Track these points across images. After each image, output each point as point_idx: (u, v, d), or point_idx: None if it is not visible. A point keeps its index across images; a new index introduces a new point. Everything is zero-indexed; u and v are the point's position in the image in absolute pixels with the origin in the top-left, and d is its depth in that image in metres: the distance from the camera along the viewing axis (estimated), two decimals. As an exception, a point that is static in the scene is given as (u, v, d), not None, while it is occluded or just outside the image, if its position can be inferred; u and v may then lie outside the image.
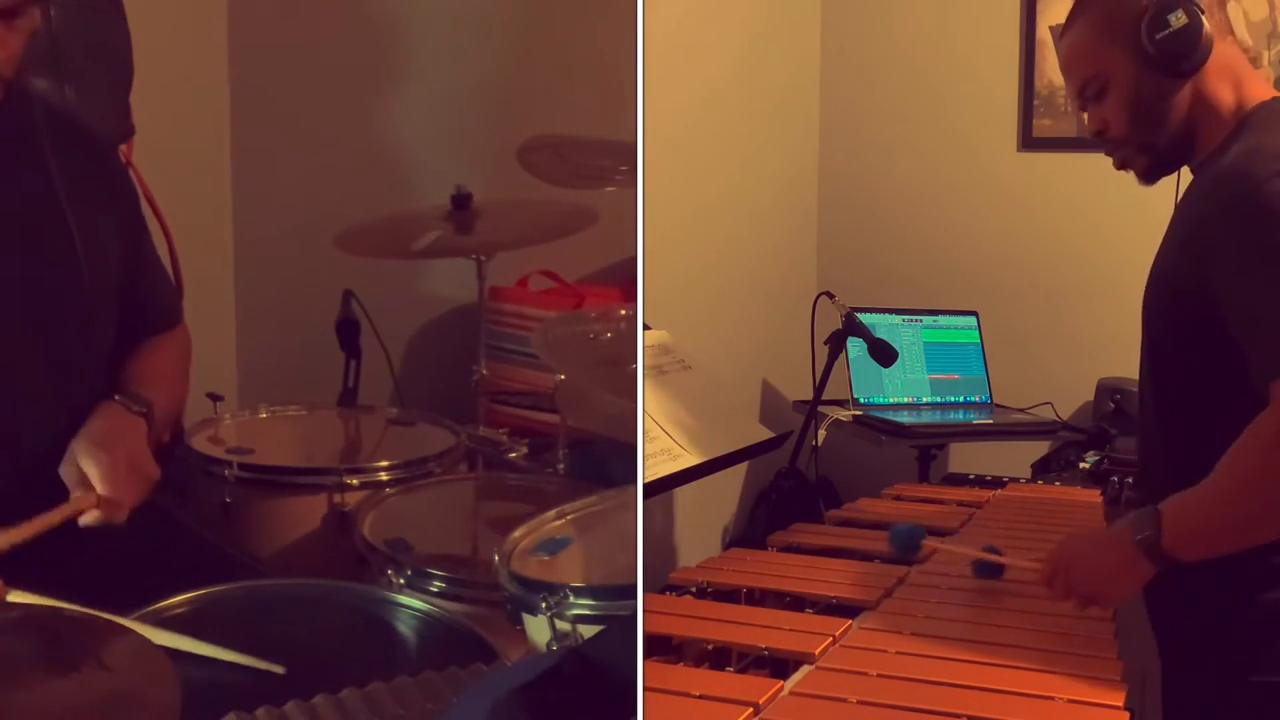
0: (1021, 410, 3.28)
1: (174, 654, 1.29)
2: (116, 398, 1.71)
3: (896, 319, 3.29)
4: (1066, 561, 1.56)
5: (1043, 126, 3.43)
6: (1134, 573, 1.49)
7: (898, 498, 2.34)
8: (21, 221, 1.67)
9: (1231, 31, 1.69)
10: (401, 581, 1.73)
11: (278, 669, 1.36)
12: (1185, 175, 1.73)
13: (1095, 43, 1.67)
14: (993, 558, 1.72)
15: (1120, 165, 1.72)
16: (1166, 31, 1.59)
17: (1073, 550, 1.57)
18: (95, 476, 1.59)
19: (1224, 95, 1.63)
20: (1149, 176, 1.71)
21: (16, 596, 1.38)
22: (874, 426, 3.02)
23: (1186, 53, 1.60)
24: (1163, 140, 1.66)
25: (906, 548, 1.86)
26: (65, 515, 1.57)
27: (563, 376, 2.19)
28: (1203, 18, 1.59)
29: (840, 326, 2.68)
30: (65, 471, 1.61)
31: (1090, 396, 3.22)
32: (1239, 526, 1.46)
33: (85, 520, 1.58)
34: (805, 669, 1.37)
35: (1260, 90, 1.64)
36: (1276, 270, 1.45)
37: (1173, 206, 1.72)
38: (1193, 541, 1.47)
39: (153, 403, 1.73)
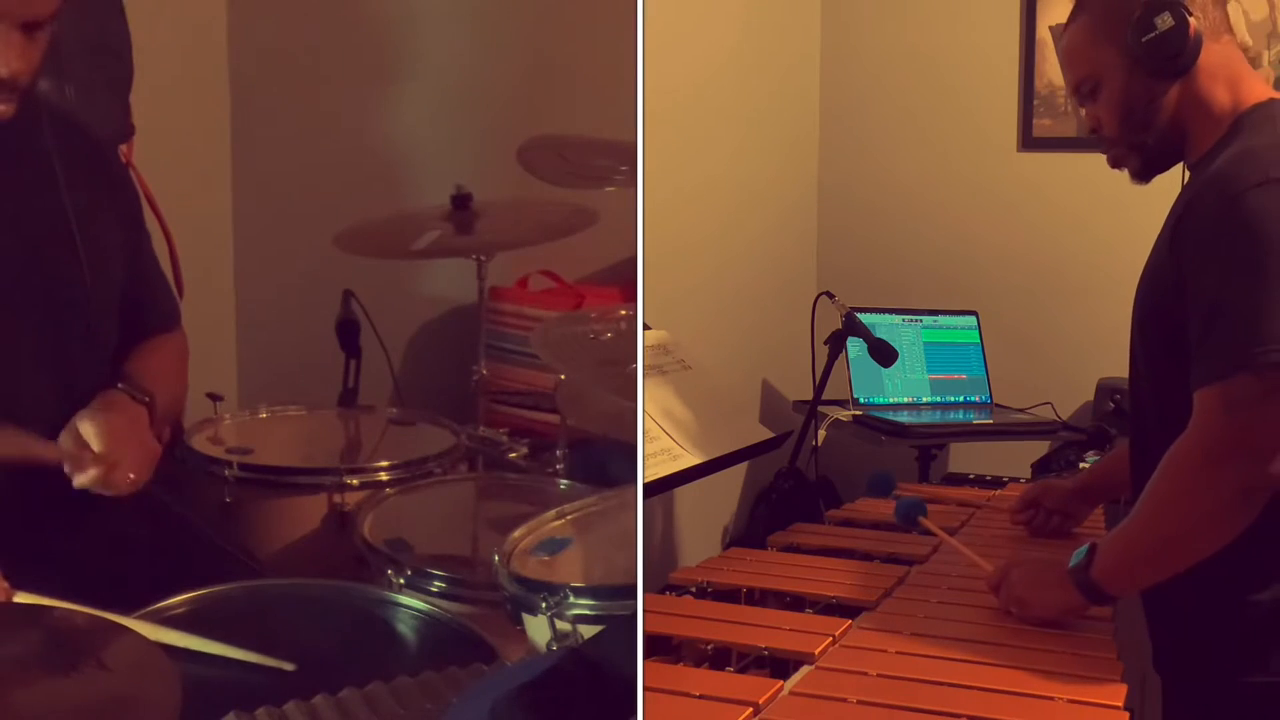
0: (1021, 410, 3.28)
1: (175, 653, 1.30)
2: (120, 386, 1.72)
3: (896, 319, 3.29)
4: (1010, 569, 1.60)
5: (1043, 126, 3.43)
6: (1062, 597, 1.53)
7: (898, 498, 2.34)
8: (25, 224, 1.67)
9: (1229, 30, 1.67)
10: (401, 581, 1.73)
11: (288, 666, 1.36)
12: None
13: (1089, 43, 1.68)
14: (963, 550, 1.79)
15: (1114, 164, 1.73)
16: (1152, 34, 1.60)
17: (1020, 571, 1.61)
18: (93, 435, 1.59)
19: (1218, 95, 1.62)
20: (1141, 176, 1.72)
21: (23, 598, 1.39)
22: (874, 426, 3.02)
23: (1173, 55, 1.60)
24: (1151, 141, 1.66)
25: (908, 519, 1.96)
26: (56, 457, 1.57)
27: (563, 376, 2.19)
28: (1190, 20, 1.59)
29: (840, 326, 2.68)
30: (64, 438, 1.61)
31: (1090, 396, 3.22)
32: (1157, 553, 1.49)
33: (81, 481, 1.58)
34: (805, 669, 1.37)
35: (1257, 90, 1.64)
36: (1231, 282, 1.45)
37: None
38: (1116, 573, 1.51)
39: (154, 394, 1.74)
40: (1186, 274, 1.51)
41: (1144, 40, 1.60)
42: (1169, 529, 1.47)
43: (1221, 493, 1.43)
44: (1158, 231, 1.71)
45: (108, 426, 1.61)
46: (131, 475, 1.62)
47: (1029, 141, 3.46)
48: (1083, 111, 1.76)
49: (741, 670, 1.44)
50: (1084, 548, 1.53)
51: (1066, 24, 1.73)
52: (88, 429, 1.60)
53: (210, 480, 2.15)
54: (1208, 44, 1.61)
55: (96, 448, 1.59)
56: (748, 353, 3.27)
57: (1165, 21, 1.59)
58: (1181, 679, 1.68)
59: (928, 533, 1.95)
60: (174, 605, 1.50)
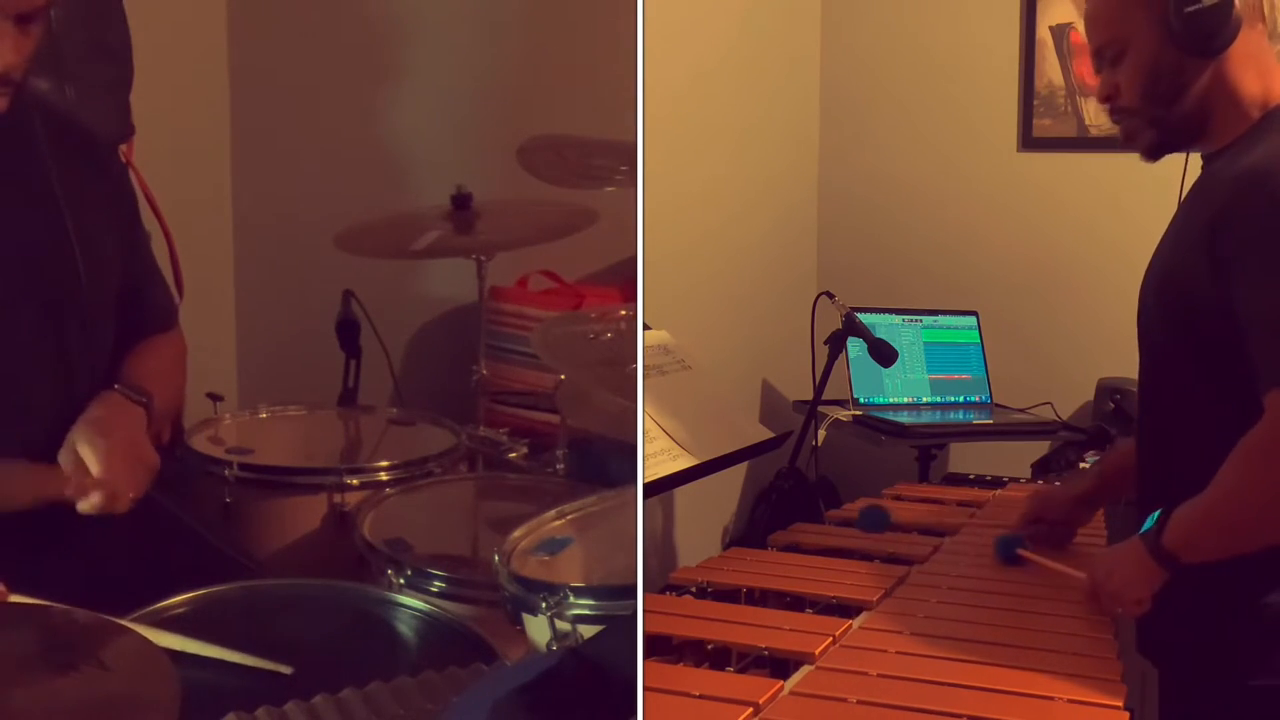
0: (1021, 410, 3.28)
1: (174, 654, 1.29)
2: (116, 387, 1.71)
3: (896, 319, 3.29)
4: (1101, 576, 1.58)
5: (1043, 126, 3.43)
6: (1147, 573, 1.52)
7: (898, 498, 2.34)
8: (19, 222, 1.67)
9: (1263, 20, 1.60)
10: (401, 581, 1.73)
11: (284, 669, 1.36)
12: (1194, 169, 1.68)
13: (1121, 5, 1.61)
14: (1045, 562, 1.75)
15: (1126, 137, 1.66)
16: (1197, 6, 1.52)
17: (1103, 564, 1.59)
18: (92, 461, 1.59)
19: (1247, 84, 1.57)
20: (1153, 153, 1.65)
21: (17, 600, 1.38)
22: (874, 426, 3.03)
23: (1214, 32, 1.53)
24: (1174, 118, 1.60)
25: (874, 525, 1.98)
26: (58, 495, 1.56)
27: (563, 376, 2.19)
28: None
29: (840, 326, 2.68)
30: (63, 458, 1.60)
31: (1090, 396, 3.22)
32: (1229, 533, 1.49)
33: (83, 507, 1.57)
34: (805, 669, 1.37)
35: None
36: None
37: (1176, 202, 1.70)
38: (1189, 544, 1.50)
39: (152, 395, 1.74)
40: (1235, 275, 1.47)
41: (1186, 12, 1.53)
42: (1239, 514, 1.47)
43: None
44: (1159, 230, 1.69)
45: (105, 447, 1.60)
46: (131, 495, 1.62)
47: (1029, 141, 3.46)
48: (1090, 92, 1.73)
49: (741, 670, 1.44)
50: (1154, 514, 1.51)
51: None
52: (86, 452, 1.60)
53: (210, 480, 2.15)
54: (1244, 28, 1.55)
55: (95, 472, 1.59)
56: (748, 353, 3.27)
57: None
58: (1185, 679, 1.67)
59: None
60: (173, 605, 1.50)
